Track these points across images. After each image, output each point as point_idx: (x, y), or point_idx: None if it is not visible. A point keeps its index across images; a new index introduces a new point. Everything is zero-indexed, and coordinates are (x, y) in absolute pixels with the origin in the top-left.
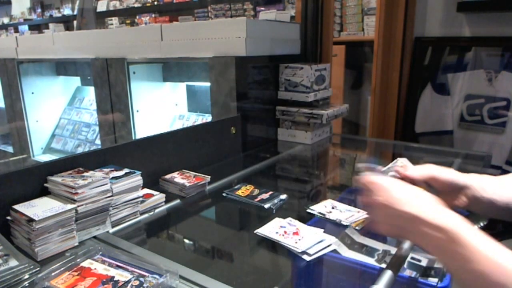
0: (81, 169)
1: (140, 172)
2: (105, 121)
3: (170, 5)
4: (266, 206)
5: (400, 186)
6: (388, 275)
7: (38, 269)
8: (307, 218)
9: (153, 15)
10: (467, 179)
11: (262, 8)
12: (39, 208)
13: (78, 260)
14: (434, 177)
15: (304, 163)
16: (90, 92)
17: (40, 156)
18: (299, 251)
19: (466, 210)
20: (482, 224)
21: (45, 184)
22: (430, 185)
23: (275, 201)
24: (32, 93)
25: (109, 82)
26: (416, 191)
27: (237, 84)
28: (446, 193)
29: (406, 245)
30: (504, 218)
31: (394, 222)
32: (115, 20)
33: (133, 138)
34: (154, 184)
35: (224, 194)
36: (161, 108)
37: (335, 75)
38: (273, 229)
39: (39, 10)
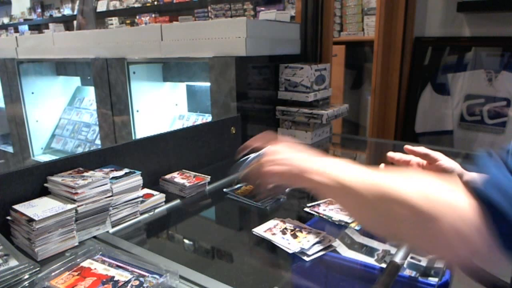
0: (81, 169)
1: (140, 172)
2: (104, 121)
3: (170, 5)
4: (266, 206)
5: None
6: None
7: (38, 269)
8: (306, 218)
9: (153, 15)
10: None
11: (262, 8)
12: (39, 208)
13: (78, 260)
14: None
15: None
16: (90, 92)
17: (40, 156)
18: (299, 251)
19: None
20: None
21: (45, 184)
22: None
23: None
24: (32, 93)
25: (109, 82)
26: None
27: (237, 84)
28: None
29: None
30: None
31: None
32: (115, 20)
33: (133, 138)
34: (154, 184)
35: (224, 194)
36: (161, 108)
37: (335, 75)
38: (272, 229)
39: (39, 10)
